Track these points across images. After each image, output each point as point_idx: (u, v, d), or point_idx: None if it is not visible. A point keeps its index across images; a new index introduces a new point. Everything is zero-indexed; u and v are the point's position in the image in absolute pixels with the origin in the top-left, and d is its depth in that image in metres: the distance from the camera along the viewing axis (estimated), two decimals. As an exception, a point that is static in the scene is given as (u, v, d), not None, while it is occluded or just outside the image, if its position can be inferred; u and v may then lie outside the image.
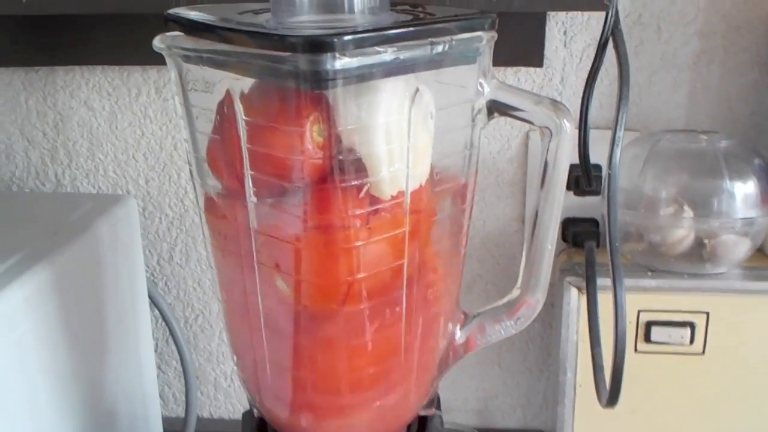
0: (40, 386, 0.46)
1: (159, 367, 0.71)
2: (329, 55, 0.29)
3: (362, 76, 0.31)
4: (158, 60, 0.36)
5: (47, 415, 0.47)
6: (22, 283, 0.44)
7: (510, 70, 0.60)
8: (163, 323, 0.68)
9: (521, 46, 0.58)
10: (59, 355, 0.48)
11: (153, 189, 0.67)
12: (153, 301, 0.65)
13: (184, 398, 0.70)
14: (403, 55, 0.31)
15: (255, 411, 0.43)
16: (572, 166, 0.50)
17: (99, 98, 0.65)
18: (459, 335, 0.41)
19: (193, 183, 0.39)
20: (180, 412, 0.72)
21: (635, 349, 0.52)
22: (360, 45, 0.30)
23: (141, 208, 0.67)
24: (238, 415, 0.72)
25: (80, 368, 0.51)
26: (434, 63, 0.33)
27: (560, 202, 0.39)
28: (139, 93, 0.64)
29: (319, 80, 0.30)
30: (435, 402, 0.43)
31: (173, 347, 0.69)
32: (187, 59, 0.35)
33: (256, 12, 0.37)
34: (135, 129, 0.65)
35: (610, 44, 0.45)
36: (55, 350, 0.47)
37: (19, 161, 0.67)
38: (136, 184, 0.67)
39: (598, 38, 0.45)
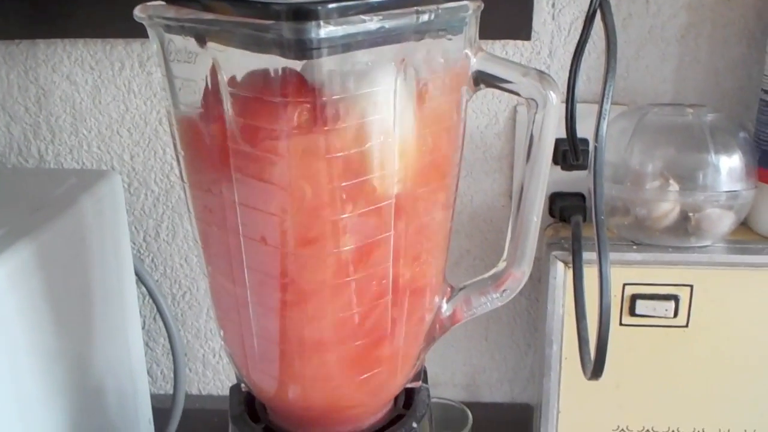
0: (25, 365, 0.46)
1: (147, 344, 0.71)
2: (313, 23, 0.29)
3: (347, 46, 0.31)
4: (142, 33, 0.36)
5: (33, 393, 0.46)
6: (4, 260, 0.43)
7: (498, 44, 0.59)
8: (151, 300, 0.67)
9: (509, 18, 0.57)
10: (44, 332, 0.47)
11: (138, 165, 0.66)
12: (140, 278, 0.65)
13: (172, 375, 0.70)
14: (389, 24, 0.31)
15: (242, 385, 0.43)
16: (560, 141, 0.50)
17: (82, 72, 0.64)
18: (445, 308, 0.42)
19: (177, 156, 0.39)
20: (168, 388, 0.72)
21: (620, 323, 0.52)
22: (344, 13, 0.30)
23: (126, 185, 0.67)
24: (227, 392, 0.72)
25: (66, 346, 0.50)
26: (420, 32, 0.33)
27: (546, 175, 0.39)
28: (122, 67, 0.64)
29: (304, 49, 0.30)
30: (422, 375, 0.43)
31: (161, 324, 0.69)
32: (168, 29, 0.35)
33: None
34: (119, 103, 0.65)
35: (599, 17, 0.45)
36: (40, 328, 0.47)
37: (1, 137, 0.66)
38: (121, 160, 0.66)
39: (586, 11, 0.45)
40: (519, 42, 0.59)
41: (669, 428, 0.55)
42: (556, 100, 0.37)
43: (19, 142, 0.67)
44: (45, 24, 0.62)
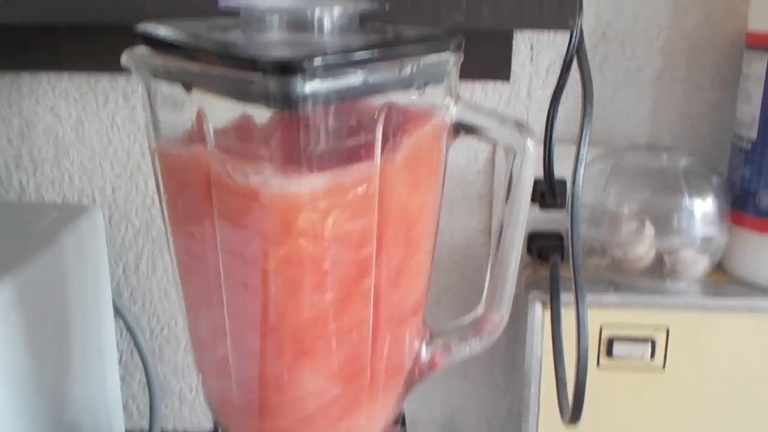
0: (3, 398, 0.45)
1: (123, 379, 0.71)
2: (299, 77, 0.30)
3: (331, 98, 0.31)
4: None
5: (10, 426, 0.46)
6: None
7: (478, 85, 0.60)
8: (128, 334, 0.67)
9: (488, 60, 0.58)
10: (22, 367, 0.47)
11: (119, 198, 0.66)
12: (118, 312, 0.64)
13: (148, 411, 0.69)
14: (372, 77, 0.32)
15: (220, 429, 0.43)
16: (538, 181, 0.51)
17: (65, 105, 0.64)
18: (424, 353, 0.42)
19: (159, 198, 0.39)
20: (144, 424, 0.71)
21: (597, 365, 0.52)
22: (330, 68, 0.30)
23: (107, 217, 0.66)
24: (203, 428, 0.72)
25: (44, 381, 0.50)
26: (402, 84, 0.34)
27: (524, 220, 0.40)
28: (106, 100, 0.64)
29: (289, 102, 0.30)
30: (400, 419, 0.43)
31: (137, 359, 0.68)
32: (155, 75, 0.35)
33: (225, 28, 0.37)
34: (102, 137, 0.65)
35: (576, 62, 0.46)
36: (18, 363, 0.47)
37: (-18, 168, 0.66)
38: (103, 193, 0.66)
39: (564, 54, 0.46)
40: (498, 83, 0.60)
41: (646, 468, 0.55)
42: (533, 147, 0.38)
43: (0, 173, 0.66)
44: (30, 57, 0.62)
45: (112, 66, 0.60)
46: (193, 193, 0.36)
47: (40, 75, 0.63)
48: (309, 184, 0.32)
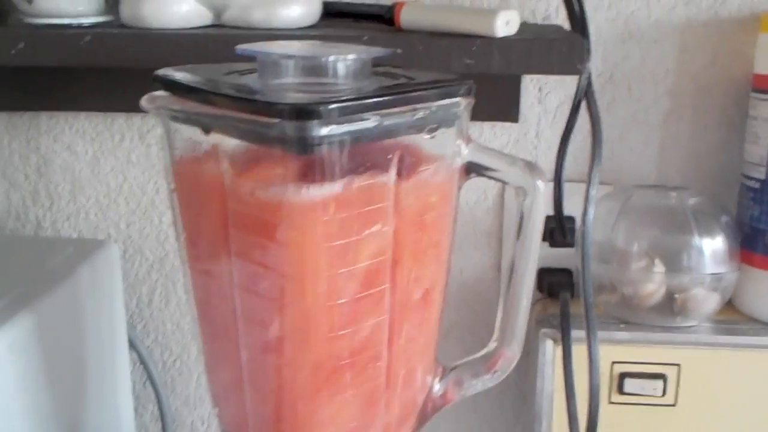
0: (21, 430, 0.46)
1: (136, 410, 0.71)
2: (315, 122, 0.31)
3: (346, 142, 0.32)
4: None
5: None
6: (5, 332, 0.44)
7: (487, 125, 0.61)
8: (141, 366, 0.68)
9: (498, 102, 0.59)
10: (40, 399, 0.48)
11: (134, 233, 0.67)
12: (132, 344, 0.65)
13: (160, 443, 0.70)
14: (387, 121, 0.33)
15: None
16: (547, 218, 0.51)
17: (82, 143, 0.66)
18: (437, 388, 0.42)
19: (177, 235, 0.40)
20: (156, 456, 0.72)
21: (609, 401, 0.53)
22: (345, 112, 0.31)
23: (122, 252, 0.67)
24: (214, 461, 0.72)
25: (60, 412, 0.51)
26: (415, 128, 0.35)
27: (536, 257, 0.40)
28: (122, 138, 0.65)
29: (305, 145, 0.31)
30: (413, 454, 0.44)
31: (150, 390, 0.69)
32: (174, 118, 0.36)
33: (242, 72, 0.38)
34: (117, 174, 0.66)
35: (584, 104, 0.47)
36: (37, 395, 0.47)
37: (0, 203, 0.67)
38: (117, 228, 0.67)
39: (572, 94, 0.47)
40: (507, 123, 0.61)
41: (658, 506, 0.55)
42: (542, 188, 0.38)
43: (17, 208, 0.68)
44: (48, 97, 0.64)
45: (128, 106, 0.62)
46: (211, 225, 0.36)
47: (57, 114, 0.65)
48: (324, 227, 0.33)
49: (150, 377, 0.67)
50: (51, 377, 0.49)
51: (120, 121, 0.65)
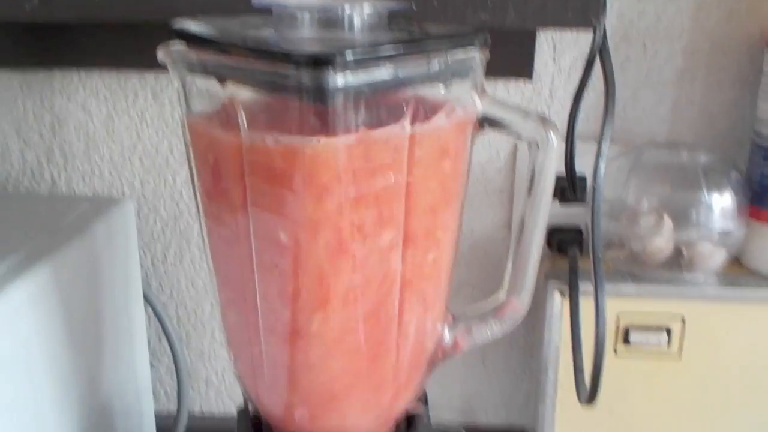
0: (43, 383, 0.47)
1: (151, 364, 0.73)
2: (331, 71, 0.31)
3: (362, 91, 0.33)
4: (156, 65, 0.37)
5: (49, 410, 0.48)
6: (23, 282, 0.45)
7: (501, 84, 0.62)
8: (156, 321, 0.69)
9: (512, 59, 0.59)
10: (60, 352, 0.49)
11: (148, 191, 0.68)
12: (147, 300, 0.66)
13: (175, 394, 0.71)
14: (401, 71, 0.33)
15: (250, 406, 0.44)
16: (558, 177, 0.52)
17: (96, 102, 0.66)
18: (447, 336, 0.43)
19: (194, 189, 0.41)
20: (171, 408, 0.73)
21: (614, 352, 0.54)
22: (361, 62, 0.32)
23: (136, 210, 0.68)
24: (229, 411, 0.74)
25: (79, 365, 0.52)
26: (430, 79, 0.35)
27: (546, 212, 0.41)
28: (136, 97, 0.66)
29: (322, 95, 0.32)
30: (423, 399, 0.45)
31: (165, 345, 0.70)
32: (190, 70, 0.37)
33: (258, 26, 0.39)
34: (131, 132, 0.67)
35: (598, 60, 0.47)
36: (56, 348, 0.49)
37: (15, 162, 0.68)
38: (132, 187, 0.68)
39: (586, 54, 0.47)
40: (521, 81, 0.61)
41: (661, 456, 0.56)
42: (555, 141, 0.39)
43: (32, 167, 0.68)
44: (61, 55, 0.64)
45: (141, 64, 0.63)
46: (228, 177, 0.37)
47: (71, 73, 0.65)
48: (341, 175, 0.34)
49: (165, 332, 0.68)
50: (69, 331, 0.50)
51: (133, 80, 0.65)
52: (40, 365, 0.47)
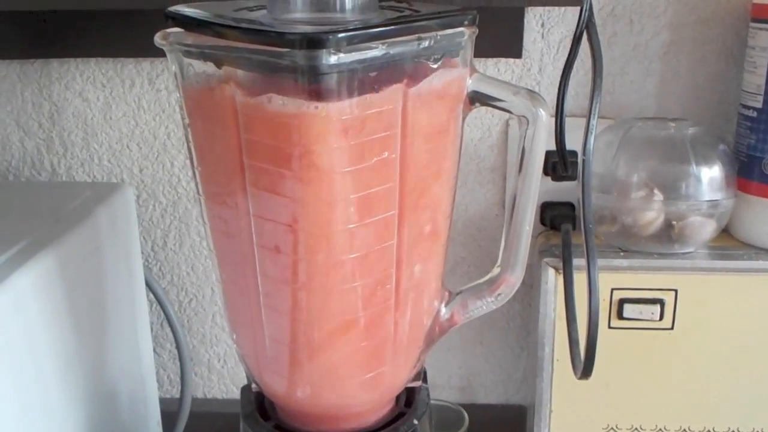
0: (48, 369, 0.48)
1: (154, 350, 0.74)
2: (325, 51, 0.32)
3: (355, 70, 0.33)
4: (151, 52, 0.38)
5: (55, 396, 0.49)
6: (29, 269, 0.46)
7: (491, 61, 0.62)
8: (158, 307, 0.70)
9: (501, 38, 0.60)
10: (65, 338, 0.50)
11: (147, 177, 0.69)
12: (148, 286, 0.67)
13: (178, 379, 0.73)
14: (393, 50, 0.34)
15: (253, 385, 0.46)
16: (550, 153, 0.53)
17: (93, 89, 0.67)
18: (444, 311, 0.44)
19: (193, 171, 0.41)
20: (175, 392, 0.75)
21: (609, 326, 0.55)
22: (353, 41, 0.33)
23: (135, 196, 0.69)
24: (231, 395, 0.75)
25: (84, 352, 0.53)
26: (421, 57, 0.36)
27: (537, 187, 0.42)
28: (132, 84, 0.66)
29: (316, 74, 0.33)
30: (422, 375, 0.46)
31: (168, 330, 0.72)
32: (187, 54, 0.37)
33: (251, 9, 0.40)
34: (129, 119, 0.68)
35: (585, 37, 0.48)
36: (61, 334, 0.49)
37: (15, 151, 0.69)
38: (131, 173, 0.69)
39: (574, 30, 0.47)
40: (510, 59, 0.62)
41: (656, 426, 0.58)
42: (545, 116, 0.40)
43: (32, 156, 0.69)
44: (58, 44, 0.65)
45: (137, 51, 0.64)
46: (226, 158, 0.38)
47: (68, 61, 0.66)
48: (336, 153, 0.35)
49: (167, 317, 0.69)
50: (74, 316, 0.51)
51: (129, 66, 0.66)
52: (46, 351, 0.48)
